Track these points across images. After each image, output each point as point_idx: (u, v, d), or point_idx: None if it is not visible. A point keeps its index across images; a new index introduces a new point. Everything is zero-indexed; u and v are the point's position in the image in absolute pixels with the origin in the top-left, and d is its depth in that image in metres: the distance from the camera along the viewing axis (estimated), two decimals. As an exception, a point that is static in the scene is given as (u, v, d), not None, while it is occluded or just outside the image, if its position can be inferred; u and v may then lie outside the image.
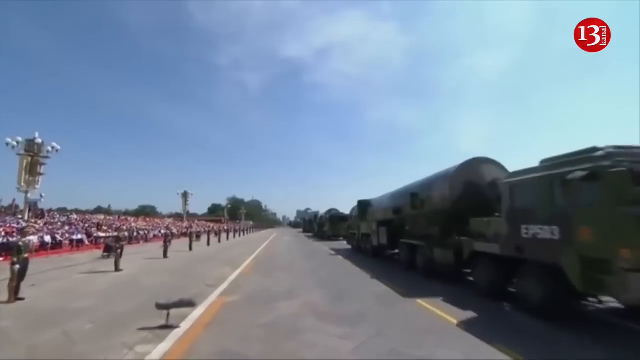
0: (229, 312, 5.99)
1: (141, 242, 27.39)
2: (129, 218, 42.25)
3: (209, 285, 8.59)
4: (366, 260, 14.60)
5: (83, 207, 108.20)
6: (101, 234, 22.35)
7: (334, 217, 32.57)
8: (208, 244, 24.33)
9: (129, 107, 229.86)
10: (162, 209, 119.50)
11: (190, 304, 5.29)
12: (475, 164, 8.82)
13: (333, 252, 18.68)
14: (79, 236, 19.39)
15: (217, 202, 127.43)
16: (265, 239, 36.21)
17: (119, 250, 11.06)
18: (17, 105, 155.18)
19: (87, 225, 24.89)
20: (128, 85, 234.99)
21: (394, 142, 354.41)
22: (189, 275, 10.46)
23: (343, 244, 24.00)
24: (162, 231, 35.12)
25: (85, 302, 6.63)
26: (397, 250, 12.83)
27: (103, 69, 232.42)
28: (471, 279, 8.17)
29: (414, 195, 10.54)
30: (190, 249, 19.98)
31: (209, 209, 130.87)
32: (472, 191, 8.35)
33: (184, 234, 38.34)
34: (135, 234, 27.74)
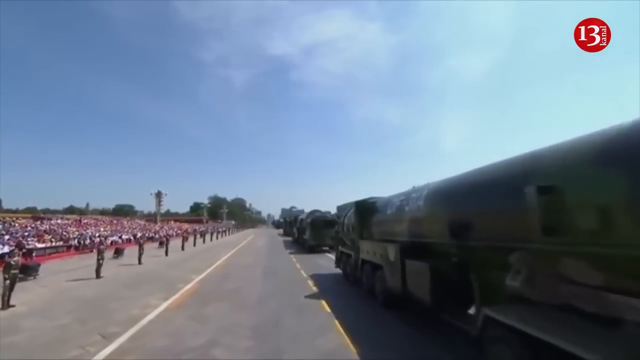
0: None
1: (94, 250, 24.67)
2: (89, 221, 39.05)
3: (106, 336, 6.45)
4: (372, 314, 7.74)
5: (59, 206, 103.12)
6: (39, 245, 19.60)
7: (317, 222, 24.72)
8: (166, 253, 21.90)
9: (111, 102, 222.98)
10: (143, 207, 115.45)
11: None
12: None
13: (313, 289, 10.76)
14: (5, 249, 16.64)
15: (199, 200, 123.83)
16: (236, 244, 33.80)
17: (7, 282, 8.62)
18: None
19: (27, 233, 22.00)
20: (112, 80, 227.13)
21: (379, 140, 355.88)
22: (100, 311, 8.26)
23: (329, 262, 16.66)
24: (124, 237, 32.41)
25: None
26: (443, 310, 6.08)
27: (85, 63, 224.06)
28: None
29: (554, 194, 3.57)
30: (140, 262, 17.61)
31: (191, 207, 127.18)
32: None
33: (151, 239, 35.69)
34: (87, 241, 24.98)
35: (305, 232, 26.86)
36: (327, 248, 23.37)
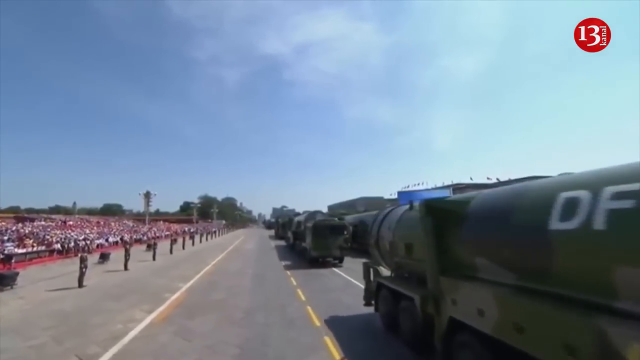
0: None
1: (80, 253, 23.95)
2: (74, 223, 37.97)
3: (84, 358, 6.12)
4: None
5: (45, 205, 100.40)
6: (19, 251, 18.85)
7: (321, 227, 18.39)
8: (154, 257, 21.35)
9: (100, 99, 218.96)
10: (132, 206, 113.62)
11: None
12: None
13: None
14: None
15: (190, 199, 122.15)
16: (225, 247, 33.35)
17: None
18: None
19: (7, 237, 21.16)
20: (101, 78, 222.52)
21: (372, 140, 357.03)
22: (80, 327, 7.87)
23: (345, 286, 12.45)
24: (110, 240, 31.64)
25: None
26: None
27: (74, 60, 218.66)
28: None
29: None
30: (126, 267, 17.10)
31: (181, 207, 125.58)
32: None
33: (139, 241, 34.97)
34: (71, 245, 24.20)
35: (304, 238, 20.99)
36: (331, 260, 18.44)
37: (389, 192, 74.41)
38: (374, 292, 8.12)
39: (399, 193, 48.41)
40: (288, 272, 16.07)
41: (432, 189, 55.97)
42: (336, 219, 21.41)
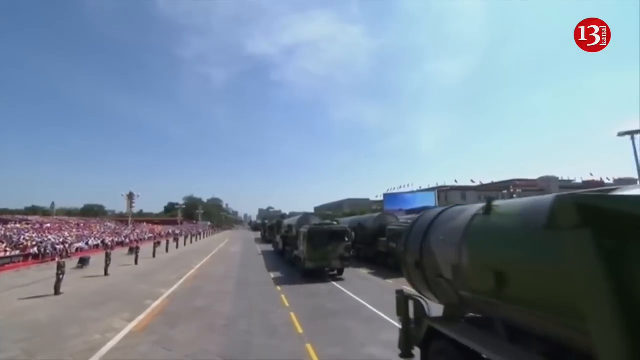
0: None
1: (57, 258, 23.12)
2: (52, 225, 36.60)
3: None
4: None
5: (20, 206, 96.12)
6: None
7: (317, 233, 15.65)
8: (136, 261, 20.86)
9: (82, 96, 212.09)
10: (115, 207, 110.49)
11: None
12: None
13: None
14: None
15: (175, 200, 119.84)
16: (209, 251, 32.85)
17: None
18: None
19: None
20: (83, 73, 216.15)
21: (358, 142, 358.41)
22: (55, 339, 7.61)
23: (358, 311, 9.67)
24: (90, 243, 30.74)
25: None
26: None
27: (55, 55, 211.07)
28: None
29: None
30: (106, 273, 16.66)
31: (166, 207, 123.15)
32: None
33: (120, 244, 34.11)
34: (48, 249, 23.32)
35: (297, 245, 17.62)
36: (326, 269, 15.51)
37: (375, 194, 75.15)
38: (420, 339, 4.94)
39: (385, 195, 48.89)
40: (281, 293, 12.09)
41: (418, 191, 56.88)
42: (335, 222, 19.08)
